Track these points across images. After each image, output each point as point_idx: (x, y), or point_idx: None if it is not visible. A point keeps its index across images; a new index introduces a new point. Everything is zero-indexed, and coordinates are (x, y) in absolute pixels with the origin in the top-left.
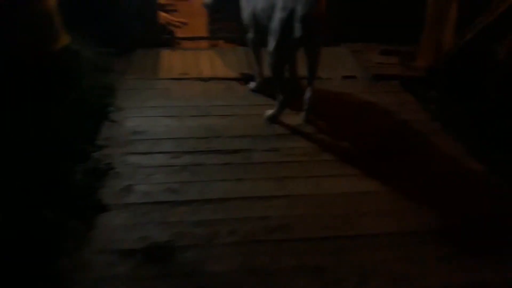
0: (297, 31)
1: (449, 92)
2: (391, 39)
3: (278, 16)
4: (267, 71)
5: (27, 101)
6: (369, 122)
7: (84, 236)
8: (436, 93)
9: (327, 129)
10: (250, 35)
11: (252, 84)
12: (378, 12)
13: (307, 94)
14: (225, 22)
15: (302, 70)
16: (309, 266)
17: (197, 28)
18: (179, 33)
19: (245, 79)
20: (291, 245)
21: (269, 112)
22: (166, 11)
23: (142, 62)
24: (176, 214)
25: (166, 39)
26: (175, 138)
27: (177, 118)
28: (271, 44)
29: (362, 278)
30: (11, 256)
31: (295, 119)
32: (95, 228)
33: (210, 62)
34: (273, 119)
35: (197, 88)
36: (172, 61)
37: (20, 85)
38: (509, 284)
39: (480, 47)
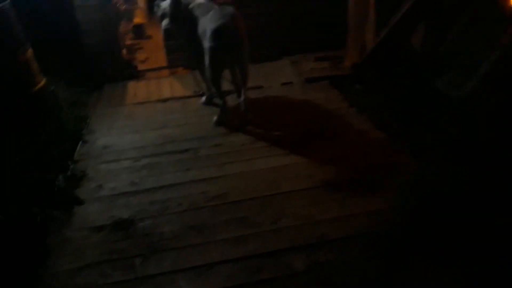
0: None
1: (372, 83)
2: (326, 47)
3: (207, 35)
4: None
5: (16, 131)
6: (297, 115)
7: (65, 221)
8: (360, 86)
9: (263, 125)
10: (194, 57)
11: (203, 99)
12: (310, 25)
13: (241, 98)
14: (180, 52)
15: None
16: (237, 218)
17: (158, 60)
18: (143, 66)
19: (198, 95)
20: (224, 207)
21: (216, 117)
22: (133, 50)
23: (111, 94)
24: (136, 199)
25: (131, 73)
26: (137, 147)
27: (139, 132)
28: (207, 61)
29: (275, 220)
30: (9, 238)
31: (236, 120)
32: (73, 216)
33: (169, 86)
34: (219, 122)
35: (158, 108)
36: (136, 90)
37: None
38: (392, 211)
39: (395, 41)
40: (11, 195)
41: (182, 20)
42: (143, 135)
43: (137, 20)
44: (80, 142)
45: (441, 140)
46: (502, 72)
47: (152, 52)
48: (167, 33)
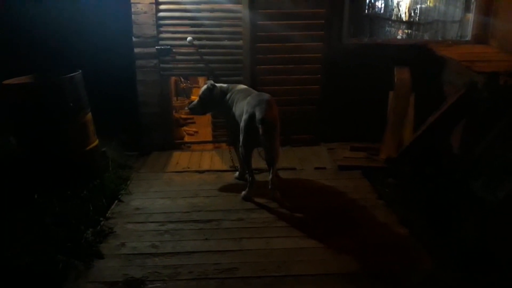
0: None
1: (405, 179)
2: (363, 139)
3: (243, 118)
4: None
5: (63, 183)
6: (324, 199)
7: (82, 272)
8: (392, 180)
9: (288, 205)
10: (231, 134)
11: (236, 174)
12: (350, 116)
13: (270, 176)
14: (225, 129)
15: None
16: None
17: (206, 134)
18: (192, 139)
19: (232, 170)
20: (232, 281)
21: (244, 192)
22: (186, 123)
23: (156, 161)
24: (152, 261)
25: (179, 143)
26: (165, 212)
27: (171, 198)
28: (241, 139)
29: None
30: (31, 278)
31: (264, 197)
32: (91, 268)
33: (210, 159)
34: (246, 198)
35: (194, 178)
36: (179, 159)
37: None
38: None
39: (431, 140)
40: (43, 240)
41: (216, 103)
42: (173, 201)
43: (194, 97)
44: (116, 201)
45: (460, 245)
46: None
47: (202, 127)
48: (192, 111)
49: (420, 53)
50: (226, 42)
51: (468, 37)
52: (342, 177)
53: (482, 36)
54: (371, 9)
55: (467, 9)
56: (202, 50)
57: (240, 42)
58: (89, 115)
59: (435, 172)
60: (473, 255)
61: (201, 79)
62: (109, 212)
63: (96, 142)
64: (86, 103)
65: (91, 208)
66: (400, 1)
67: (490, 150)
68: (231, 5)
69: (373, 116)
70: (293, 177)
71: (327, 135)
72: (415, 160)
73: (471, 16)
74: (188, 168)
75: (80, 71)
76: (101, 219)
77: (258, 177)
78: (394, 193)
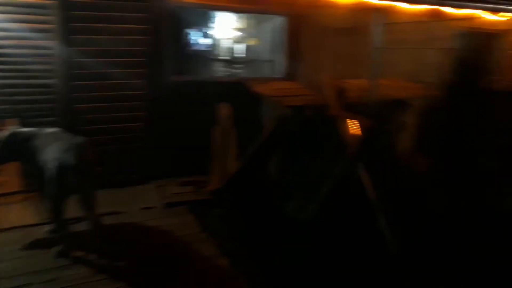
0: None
1: (230, 209)
2: (195, 172)
3: (53, 165)
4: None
5: None
6: (148, 242)
7: None
8: (219, 211)
9: (108, 255)
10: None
11: (47, 227)
12: (181, 151)
13: (89, 225)
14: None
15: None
16: None
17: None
18: None
19: (42, 223)
20: None
21: (57, 247)
22: None
23: None
24: None
25: None
26: None
27: None
28: (50, 188)
29: None
30: None
31: (82, 250)
32: None
33: (16, 213)
34: (61, 253)
35: None
36: None
37: None
38: None
39: (252, 168)
40: None
41: (20, 150)
42: None
43: None
44: None
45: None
46: (338, 197)
47: (12, 176)
48: None
49: (240, 90)
50: (37, 81)
51: (281, 75)
52: (169, 215)
53: (292, 74)
54: (196, 47)
55: (279, 50)
56: (9, 90)
57: (52, 81)
58: None
59: (256, 198)
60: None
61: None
62: None
63: None
64: None
65: None
66: (222, 40)
67: (300, 174)
68: (42, 41)
69: (201, 150)
70: (116, 222)
71: (157, 172)
72: (239, 189)
73: (282, 57)
74: None
75: None
76: None
77: (76, 227)
78: (219, 224)
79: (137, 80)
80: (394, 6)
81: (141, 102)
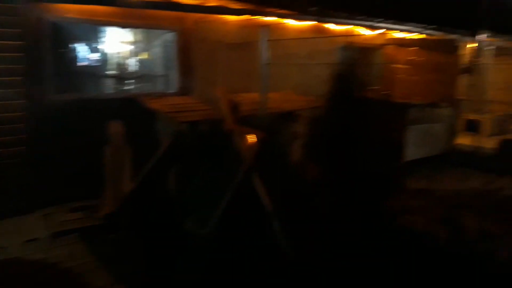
0: None
1: (126, 232)
2: (86, 196)
3: None
4: None
5: None
6: (31, 281)
7: None
8: (114, 236)
9: None
10: None
11: None
12: (70, 175)
13: None
14: None
15: None
16: None
17: None
18: None
19: None
20: None
21: None
22: None
23: None
24: None
25: None
26: None
27: None
28: None
29: None
30: None
31: None
32: None
33: None
34: None
35: None
36: None
37: None
38: None
39: (149, 186)
40: None
41: None
42: None
43: None
44: None
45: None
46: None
47: None
48: None
49: (133, 106)
50: None
51: (174, 90)
52: (57, 245)
53: (185, 88)
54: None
55: (171, 65)
56: None
57: None
58: None
59: (154, 218)
60: None
61: None
62: None
63: None
64: None
65: None
66: (113, 54)
67: (198, 189)
68: None
69: (93, 171)
70: None
71: (44, 200)
72: (135, 210)
73: (175, 72)
74: None
75: None
76: None
77: None
78: (114, 249)
79: (16, 100)
80: (282, 22)
81: (22, 124)
